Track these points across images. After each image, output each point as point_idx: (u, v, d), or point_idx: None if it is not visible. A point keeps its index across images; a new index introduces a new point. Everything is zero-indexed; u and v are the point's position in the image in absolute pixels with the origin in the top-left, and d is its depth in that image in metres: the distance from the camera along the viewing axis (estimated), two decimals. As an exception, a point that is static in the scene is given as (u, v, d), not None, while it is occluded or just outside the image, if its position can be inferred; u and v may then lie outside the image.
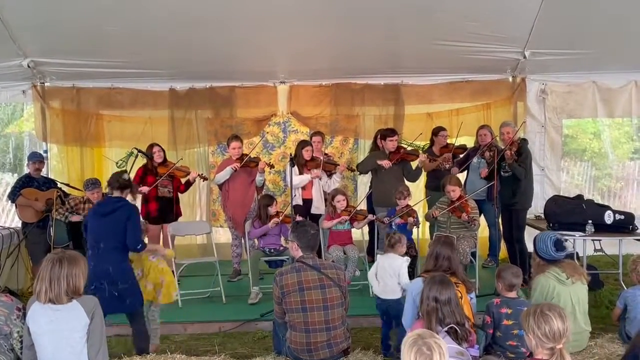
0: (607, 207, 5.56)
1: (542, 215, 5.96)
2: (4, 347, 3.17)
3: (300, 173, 6.15)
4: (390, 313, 4.14)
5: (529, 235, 5.34)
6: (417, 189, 6.88)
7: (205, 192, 7.26)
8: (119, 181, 4.07)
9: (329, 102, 7.15)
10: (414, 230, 5.72)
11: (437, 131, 6.55)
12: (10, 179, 8.94)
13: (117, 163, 6.28)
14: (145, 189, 5.87)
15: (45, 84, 6.76)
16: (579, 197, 5.84)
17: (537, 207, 6.44)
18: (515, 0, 5.43)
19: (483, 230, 6.31)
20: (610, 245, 5.78)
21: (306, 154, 6.15)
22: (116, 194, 4.06)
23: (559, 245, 3.85)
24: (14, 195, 5.94)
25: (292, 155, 5.99)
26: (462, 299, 3.42)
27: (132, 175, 5.54)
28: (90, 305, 3.04)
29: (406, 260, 4.25)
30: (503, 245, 6.37)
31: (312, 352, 3.49)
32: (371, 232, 6.37)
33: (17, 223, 6.35)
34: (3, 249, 5.77)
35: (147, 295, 4.12)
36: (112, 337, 4.32)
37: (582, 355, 3.76)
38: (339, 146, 7.30)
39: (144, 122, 7.09)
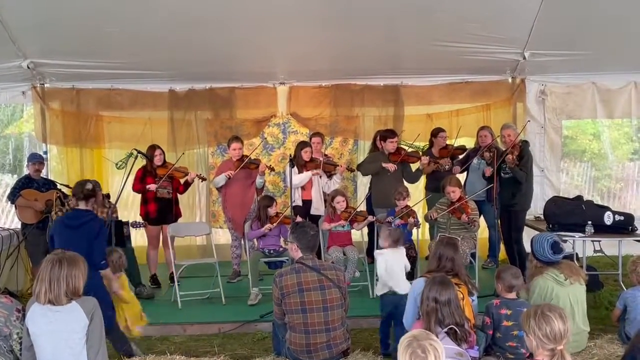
0: (607, 208, 5.56)
1: (542, 216, 5.95)
2: (4, 348, 3.16)
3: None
4: (399, 309, 3.91)
5: (529, 236, 5.34)
6: (417, 190, 6.87)
7: (205, 193, 7.26)
8: (83, 192, 4.02)
9: (329, 103, 7.15)
10: (414, 231, 5.72)
11: (436, 132, 6.55)
12: (10, 180, 8.92)
13: (116, 164, 6.30)
14: (153, 186, 5.86)
15: (45, 85, 6.76)
16: (579, 198, 5.84)
17: (536, 208, 6.43)
18: (515, 1, 5.43)
19: (483, 231, 6.32)
20: (610, 246, 5.77)
21: (305, 155, 6.13)
22: (81, 204, 4.02)
23: (555, 247, 3.86)
24: (13, 196, 5.93)
25: (292, 156, 5.98)
26: (463, 300, 3.41)
27: (131, 177, 5.55)
28: (89, 306, 3.03)
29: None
30: (503, 246, 6.37)
31: (311, 353, 3.49)
32: (371, 233, 6.34)
33: (16, 224, 6.33)
34: (3, 250, 5.76)
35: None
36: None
37: (581, 355, 3.78)
38: (339, 147, 7.30)
39: (143, 123, 7.09)
